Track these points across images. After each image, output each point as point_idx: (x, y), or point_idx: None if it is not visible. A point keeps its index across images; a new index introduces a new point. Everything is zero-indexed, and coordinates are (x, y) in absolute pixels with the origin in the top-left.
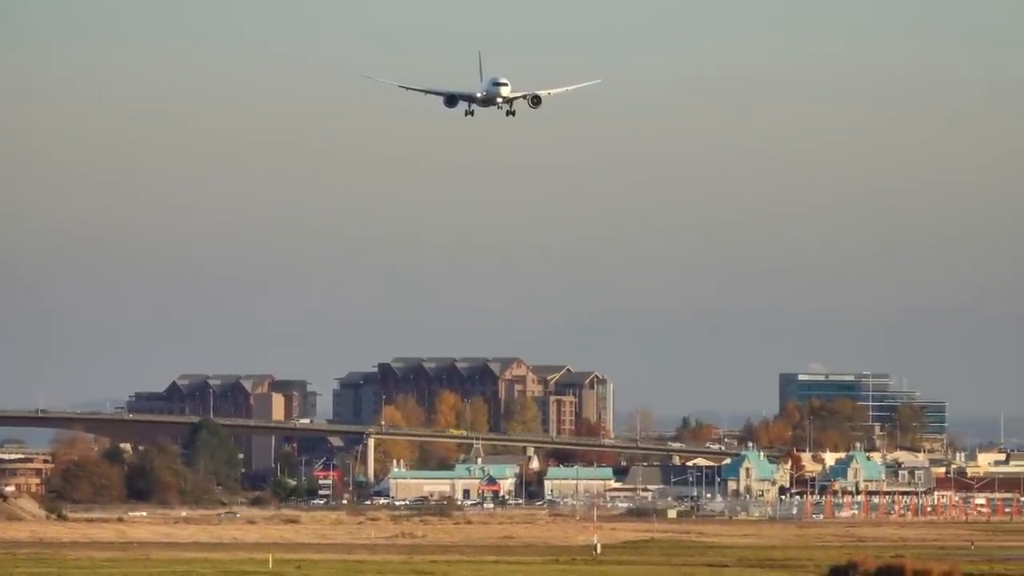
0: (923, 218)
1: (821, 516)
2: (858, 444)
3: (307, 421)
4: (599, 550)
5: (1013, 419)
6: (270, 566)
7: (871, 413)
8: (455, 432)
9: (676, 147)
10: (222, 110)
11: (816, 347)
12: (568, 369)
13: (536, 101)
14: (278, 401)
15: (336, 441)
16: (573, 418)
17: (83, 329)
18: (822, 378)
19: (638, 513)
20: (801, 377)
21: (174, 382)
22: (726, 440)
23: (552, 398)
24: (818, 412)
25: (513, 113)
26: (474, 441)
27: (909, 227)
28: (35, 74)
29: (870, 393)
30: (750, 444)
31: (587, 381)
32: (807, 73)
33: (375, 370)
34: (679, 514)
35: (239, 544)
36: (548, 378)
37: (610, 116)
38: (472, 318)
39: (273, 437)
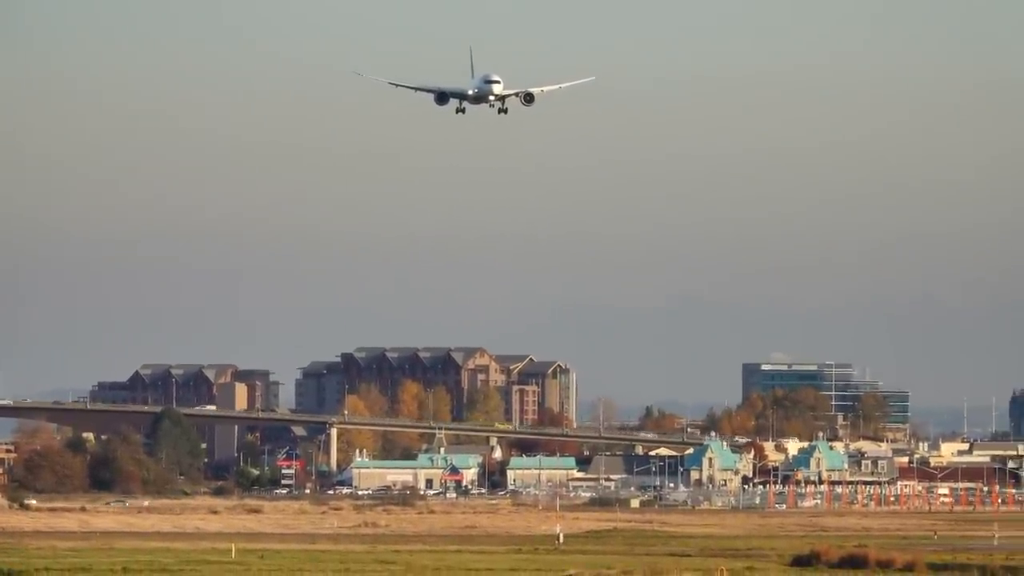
0: (887, 212)
1: (784, 506)
2: (821, 434)
3: (211, 408)
4: (562, 540)
5: (976, 409)
6: (233, 556)
7: (834, 403)
8: (502, 427)
9: (647, 145)
10: (198, 105)
11: (779, 337)
12: (531, 359)
13: (529, 98)
14: (241, 391)
15: (299, 431)
16: (536, 408)
17: (46, 319)
18: (785, 368)
19: (601, 503)
20: (764, 367)
21: (137, 372)
22: (689, 430)
23: (515, 388)
24: (781, 402)
25: (505, 111)
26: (437, 431)
27: (873, 220)
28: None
29: (833, 383)
30: (713, 434)
31: (550, 371)
32: (804, 72)
33: (338, 360)
34: (642, 504)
35: (202, 534)
36: (511, 368)
37: (582, 113)
38: (435, 308)
39: (236, 427)
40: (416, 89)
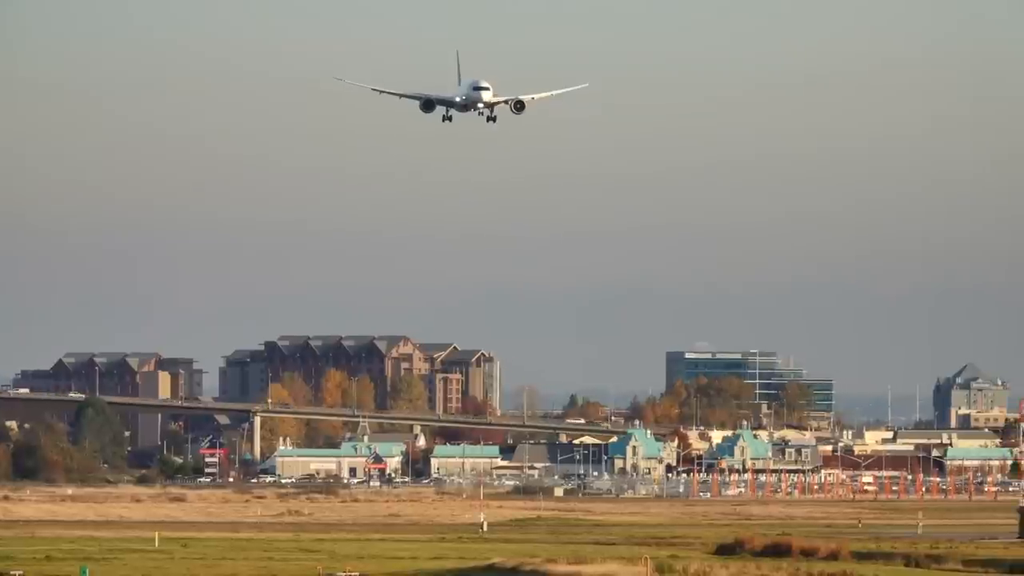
0: (810, 196)
1: (708, 494)
2: (745, 422)
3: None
4: (485, 528)
5: (900, 397)
6: (156, 544)
7: (758, 391)
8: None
9: (575, 139)
10: (132, 95)
11: (703, 325)
12: (455, 347)
13: (519, 106)
14: (164, 379)
15: (222, 419)
16: (460, 396)
17: None
18: (709, 356)
19: (525, 491)
20: (688, 355)
21: (60, 360)
22: (613, 418)
23: (439, 376)
24: (705, 390)
25: (494, 119)
26: (360, 419)
27: (796, 205)
28: None
29: (757, 371)
30: (637, 422)
31: (474, 359)
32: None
33: (262, 348)
34: (566, 492)
35: (125, 522)
36: (435, 356)
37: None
38: (359, 296)
39: (159, 415)
40: (401, 96)
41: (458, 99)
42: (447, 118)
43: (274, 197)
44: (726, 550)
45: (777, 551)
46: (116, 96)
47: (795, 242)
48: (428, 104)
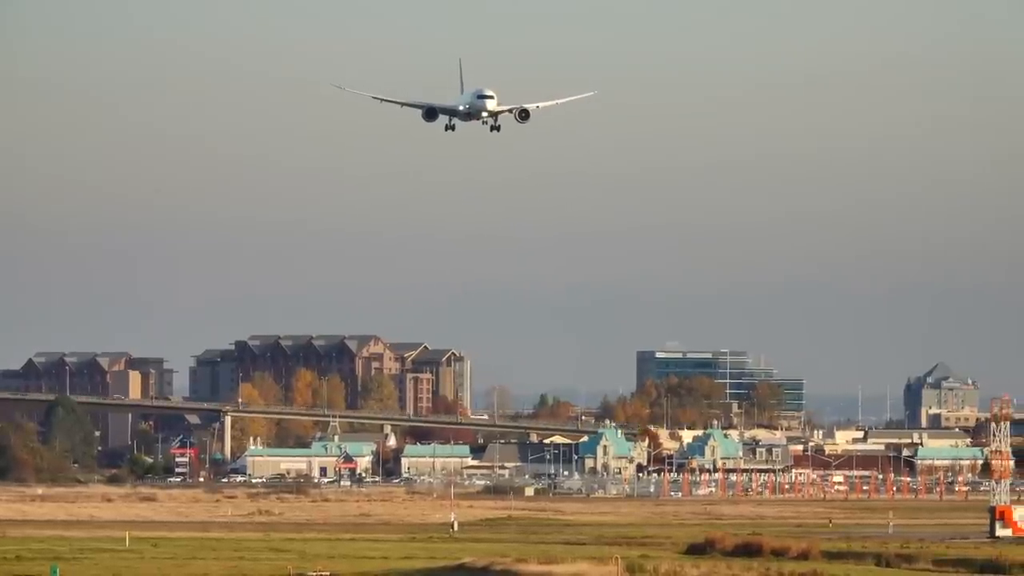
0: (783, 195)
1: (679, 494)
2: (716, 422)
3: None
4: (456, 528)
5: (870, 397)
6: (126, 543)
7: (728, 391)
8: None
9: (542, 140)
10: (127, 94)
11: (673, 325)
12: (425, 346)
13: (524, 115)
14: (135, 379)
15: (193, 419)
16: (430, 396)
17: None
18: (680, 356)
19: (495, 491)
20: (659, 355)
21: (30, 360)
22: (583, 418)
23: (409, 375)
24: (676, 389)
25: (498, 128)
26: (331, 419)
27: (769, 204)
28: None
29: (728, 371)
30: (607, 421)
31: (444, 358)
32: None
33: (232, 348)
34: (536, 492)
35: (96, 522)
36: (405, 355)
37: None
38: (329, 296)
39: (130, 415)
40: (403, 104)
41: (461, 108)
42: (450, 127)
43: (243, 196)
44: (697, 550)
45: (748, 551)
46: (116, 96)
47: (766, 241)
48: (431, 113)
